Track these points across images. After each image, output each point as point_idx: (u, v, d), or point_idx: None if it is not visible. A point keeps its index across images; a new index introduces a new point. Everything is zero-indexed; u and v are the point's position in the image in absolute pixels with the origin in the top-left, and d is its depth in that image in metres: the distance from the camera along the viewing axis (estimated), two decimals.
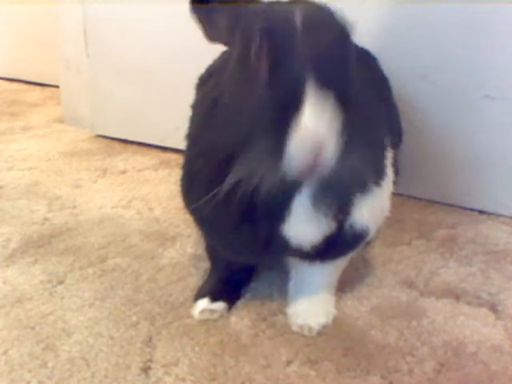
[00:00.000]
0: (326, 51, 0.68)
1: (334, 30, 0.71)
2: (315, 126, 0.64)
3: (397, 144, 1.23)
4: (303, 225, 0.80)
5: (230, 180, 0.73)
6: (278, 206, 0.79)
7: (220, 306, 0.99)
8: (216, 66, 1.07)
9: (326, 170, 0.67)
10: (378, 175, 0.85)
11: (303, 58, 0.67)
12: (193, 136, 0.94)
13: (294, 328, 0.94)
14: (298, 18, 0.69)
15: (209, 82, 0.99)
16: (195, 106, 1.02)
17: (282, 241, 0.82)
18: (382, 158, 0.86)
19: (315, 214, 0.79)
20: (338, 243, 0.85)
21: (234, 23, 0.77)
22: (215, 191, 0.76)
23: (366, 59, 1.22)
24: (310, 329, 0.93)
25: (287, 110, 0.65)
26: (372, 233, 0.89)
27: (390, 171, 0.90)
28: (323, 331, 0.93)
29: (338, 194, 0.78)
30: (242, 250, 0.91)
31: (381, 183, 0.85)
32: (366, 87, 1.04)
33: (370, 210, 0.84)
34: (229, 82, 0.78)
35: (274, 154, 0.67)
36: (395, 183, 1.20)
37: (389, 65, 1.24)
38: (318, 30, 0.69)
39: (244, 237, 0.85)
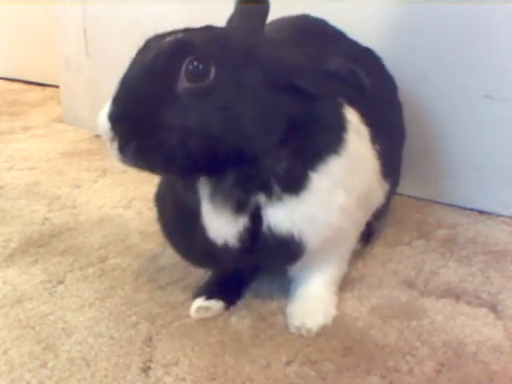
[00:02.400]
0: (131, 73, 0.81)
1: (147, 58, 0.80)
2: (99, 119, 0.80)
3: (400, 143, 1.23)
4: (214, 220, 0.87)
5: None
6: (194, 210, 0.88)
7: (216, 303, 0.99)
8: None
9: (117, 156, 0.78)
10: (293, 184, 0.85)
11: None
12: None
13: (292, 329, 0.94)
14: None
15: None
16: None
17: (207, 241, 0.88)
18: (298, 168, 0.86)
19: (217, 210, 0.86)
20: (265, 247, 0.88)
21: None
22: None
23: (368, 58, 1.22)
24: (307, 330, 0.92)
25: None
26: (310, 244, 0.88)
27: (328, 184, 0.87)
28: (323, 331, 0.93)
29: (229, 191, 0.85)
30: (194, 258, 0.99)
31: (295, 192, 0.85)
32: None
33: (291, 217, 0.85)
34: None
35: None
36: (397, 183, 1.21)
37: (389, 65, 1.24)
38: (141, 54, 0.82)
39: (185, 244, 0.95)
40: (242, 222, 0.86)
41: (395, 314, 0.98)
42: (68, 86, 2.25)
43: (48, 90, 2.96)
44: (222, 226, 0.86)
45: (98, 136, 2.08)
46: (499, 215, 1.40)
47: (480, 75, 1.35)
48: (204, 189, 0.87)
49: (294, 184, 0.85)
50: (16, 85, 3.17)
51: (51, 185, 1.60)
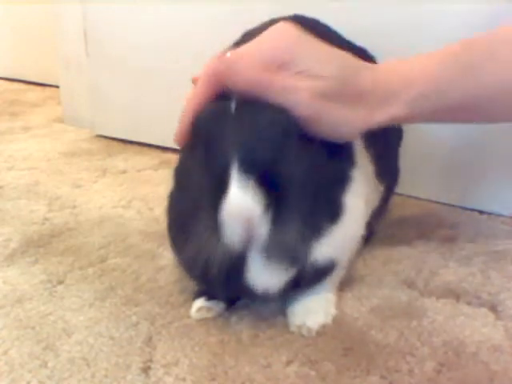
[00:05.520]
0: (251, 135, 0.73)
1: (267, 116, 0.75)
2: (237, 203, 0.70)
3: (396, 143, 1.23)
4: (261, 276, 0.85)
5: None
6: (236, 267, 0.84)
7: (216, 303, 0.98)
8: None
9: (260, 240, 0.75)
10: (332, 213, 0.85)
11: (229, 142, 0.72)
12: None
13: (292, 328, 0.94)
14: (233, 105, 0.76)
15: None
16: None
17: (249, 290, 0.87)
18: (336, 197, 0.86)
19: (269, 266, 0.84)
20: (304, 281, 0.89)
21: None
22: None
23: (362, 58, 1.22)
24: (308, 329, 0.92)
25: (219, 192, 0.71)
26: (343, 261, 0.93)
27: (355, 200, 0.88)
28: (323, 331, 0.93)
29: (283, 248, 0.82)
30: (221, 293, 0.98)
31: (336, 220, 0.85)
32: None
33: (333, 245, 0.86)
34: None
35: (212, 231, 0.75)
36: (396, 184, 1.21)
37: None
38: (250, 115, 0.75)
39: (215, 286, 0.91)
40: (289, 271, 0.85)
41: (395, 314, 0.98)
42: (68, 86, 2.25)
43: (48, 90, 2.96)
44: (268, 278, 0.85)
45: (98, 136, 2.08)
46: (499, 215, 1.40)
47: None
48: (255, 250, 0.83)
49: (333, 212, 0.85)
50: (16, 85, 3.17)
51: (51, 185, 1.60)
